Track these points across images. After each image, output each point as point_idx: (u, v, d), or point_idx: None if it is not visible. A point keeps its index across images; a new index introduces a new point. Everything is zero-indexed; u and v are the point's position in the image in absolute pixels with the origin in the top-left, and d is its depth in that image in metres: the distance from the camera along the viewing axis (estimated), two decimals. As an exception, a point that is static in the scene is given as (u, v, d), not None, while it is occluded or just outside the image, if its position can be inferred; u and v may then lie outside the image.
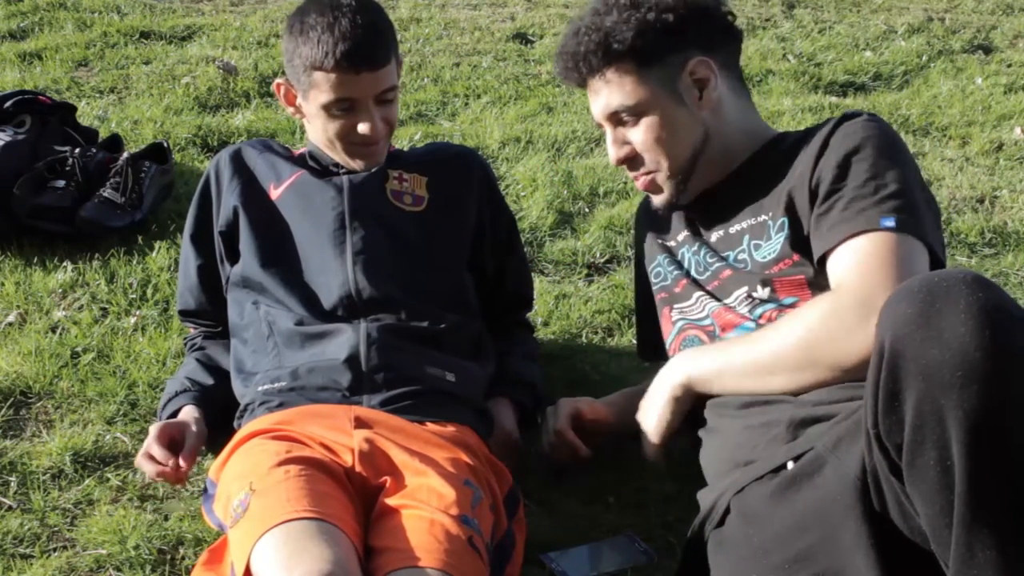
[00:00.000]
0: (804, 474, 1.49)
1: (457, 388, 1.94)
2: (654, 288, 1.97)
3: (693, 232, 1.91)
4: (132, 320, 2.45)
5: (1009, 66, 4.33)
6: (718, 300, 1.81)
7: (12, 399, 2.20)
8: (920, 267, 1.59)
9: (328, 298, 1.98)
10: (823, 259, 1.67)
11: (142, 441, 2.03)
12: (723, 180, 1.87)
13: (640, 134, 1.82)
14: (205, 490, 1.86)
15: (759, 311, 1.74)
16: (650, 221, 2.02)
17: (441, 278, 2.07)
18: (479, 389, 2.02)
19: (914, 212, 1.64)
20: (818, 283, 1.69)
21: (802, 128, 1.92)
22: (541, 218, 2.95)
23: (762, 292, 1.74)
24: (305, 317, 1.97)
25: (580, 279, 2.74)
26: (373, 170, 2.08)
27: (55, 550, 1.83)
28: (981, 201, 3.19)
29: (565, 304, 2.59)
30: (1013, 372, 1.22)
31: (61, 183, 2.75)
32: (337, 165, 2.09)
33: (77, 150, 2.82)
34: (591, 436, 2.01)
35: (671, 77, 1.80)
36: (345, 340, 1.91)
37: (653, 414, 1.77)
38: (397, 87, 2.03)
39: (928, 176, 3.27)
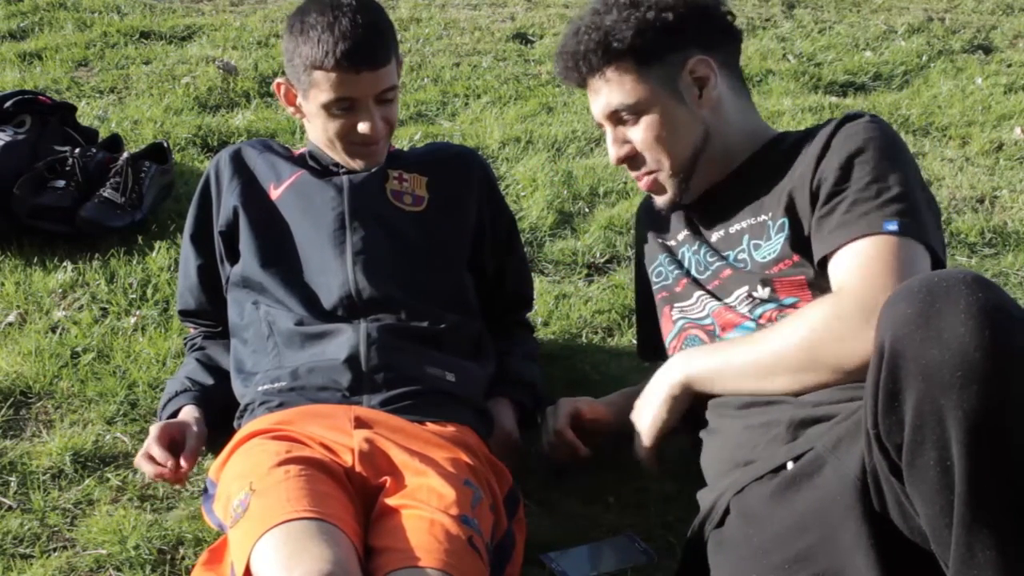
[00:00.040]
0: (804, 474, 1.49)
1: (457, 388, 1.94)
2: (655, 287, 1.97)
3: (693, 231, 1.91)
4: (132, 320, 2.45)
5: (1009, 66, 4.33)
6: (718, 299, 1.81)
7: (12, 399, 2.20)
8: (922, 270, 1.59)
9: (328, 298, 1.98)
10: (824, 261, 1.67)
11: (142, 441, 2.03)
12: (723, 180, 1.87)
13: (640, 133, 1.82)
14: (205, 490, 1.86)
15: (759, 311, 1.74)
16: (650, 221, 2.02)
17: (441, 278, 2.07)
18: (479, 389, 2.02)
19: (916, 215, 1.64)
20: (818, 284, 1.69)
21: (802, 128, 1.92)
22: (541, 218, 2.95)
23: (762, 292, 1.74)
24: (305, 317, 1.97)
25: (580, 279, 2.74)
26: (373, 170, 2.08)
27: (55, 550, 1.83)
28: (981, 201, 3.19)
29: (565, 304, 2.59)
30: (1013, 372, 1.22)
31: (61, 183, 2.75)
32: (337, 165, 2.09)
33: (77, 150, 2.82)
34: (591, 436, 2.01)
35: (671, 76, 1.80)
36: (345, 340, 1.91)
37: (649, 413, 1.76)
38: (397, 87, 2.03)
39: (928, 176, 3.27)
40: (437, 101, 3.77)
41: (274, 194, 2.09)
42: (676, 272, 1.91)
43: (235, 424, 1.94)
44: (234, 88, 3.72)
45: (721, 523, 1.61)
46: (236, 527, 1.61)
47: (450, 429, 1.85)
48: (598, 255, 2.82)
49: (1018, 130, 3.67)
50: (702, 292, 1.85)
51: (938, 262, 1.65)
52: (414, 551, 1.54)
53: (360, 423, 1.80)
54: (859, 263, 1.61)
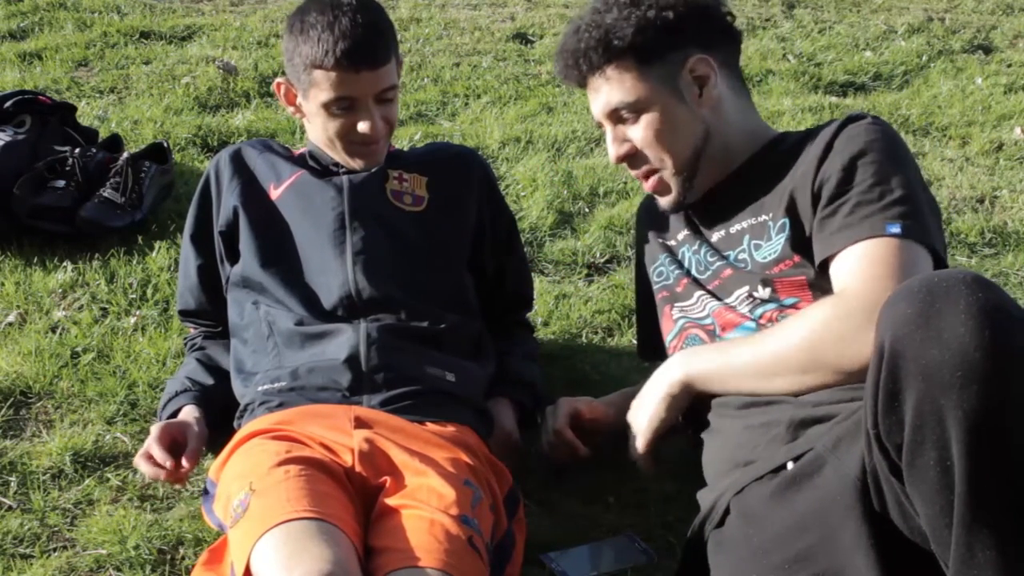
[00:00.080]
0: (804, 474, 1.49)
1: (457, 388, 1.94)
2: (655, 287, 1.97)
3: (693, 231, 1.91)
4: (132, 320, 2.45)
5: (1009, 66, 4.33)
6: (719, 299, 1.81)
7: (12, 399, 2.20)
8: (924, 272, 1.59)
9: (328, 298, 1.98)
10: (826, 262, 1.67)
11: (142, 441, 2.03)
12: (723, 180, 1.87)
13: (640, 131, 1.82)
14: (205, 490, 1.86)
15: (760, 311, 1.74)
16: (650, 221, 2.02)
17: (441, 278, 2.07)
18: (479, 389, 2.02)
19: (919, 218, 1.64)
20: (819, 284, 1.69)
21: (802, 128, 1.92)
22: (541, 218, 2.95)
23: (763, 292, 1.74)
24: (305, 317, 1.97)
25: (580, 279, 2.74)
26: (373, 170, 2.08)
27: (55, 550, 1.83)
28: (981, 201, 3.19)
29: (565, 304, 2.59)
30: (1013, 372, 1.22)
31: (61, 183, 2.75)
32: (337, 165, 2.09)
33: (77, 150, 2.82)
34: (590, 436, 2.01)
35: (671, 74, 1.81)
36: (345, 340, 1.91)
37: (647, 411, 1.76)
38: (397, 86, 2.03)
39: (928, 176, 3.27)
40: (437, 101, 3.77)
41: (274, 194, 2.09)
42: (677, 272, 1.91)
43: (235, 424, 1.94)
44: (234, 88, 3.72)
45: (721, 523, 1.61)
46: (236, 527, 1.61)
47: (450, 429, 1.85)
48: (598, 255, 2.82)
49: (1018, 130, 3.67)
50: (702, 292, 1.85)
51: (940, 264, 1.65)
52: (414, 551, 1.54)
53: (360, 423, 1.80)
54: (862, 265, 1.61)
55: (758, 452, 1.61)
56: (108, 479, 1.99)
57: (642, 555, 1.84)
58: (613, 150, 1.87)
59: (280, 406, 1.87)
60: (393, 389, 1.87)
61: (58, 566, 1.78)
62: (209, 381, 2.09)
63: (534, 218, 2.95)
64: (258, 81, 3.78)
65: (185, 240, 2.19)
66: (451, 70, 4.02)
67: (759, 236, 1.78)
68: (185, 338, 2.28)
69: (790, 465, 1.53)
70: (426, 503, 1.63)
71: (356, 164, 2.07)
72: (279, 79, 2.07)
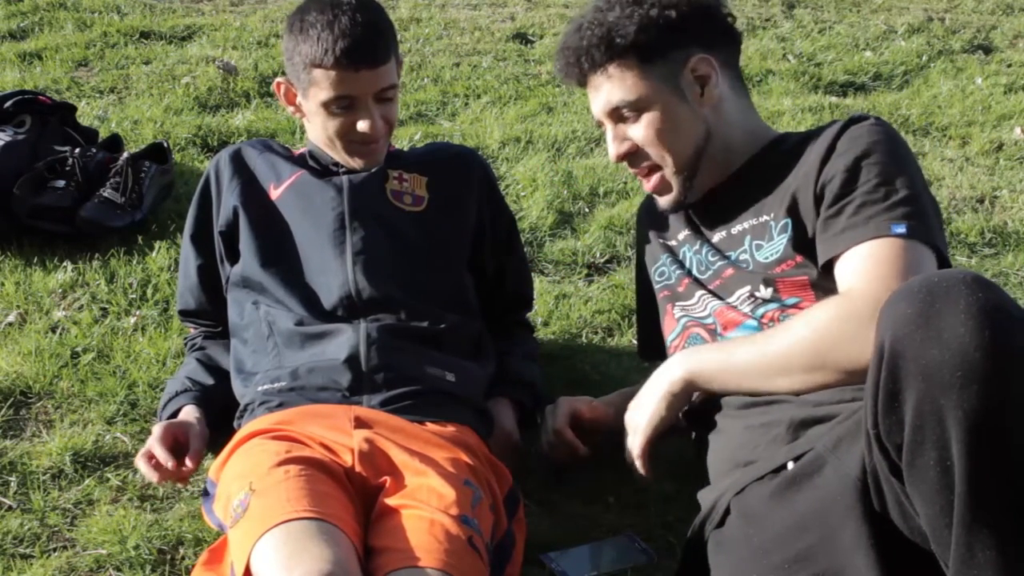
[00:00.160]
0: (804, 474, 1.49)
1: (457, 388, 1.94)
2: (657, 287, 1.97)
3: (694, 232, 1.91)
4: (132, 320, 2.45)
5: (1009, 66, 4.33)
6: (720, 299, 1.81)
7: (12, 399, 2.20)
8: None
9: (328, 298, 1.98)
10: (830, 263, 1.67)
11: (142, 441, 2.04)
12: (724, 180, 1.87)
13: (641, 130, 1.82)
14: (205, 490, 1.86)
15: (761, 310, 1.74)
16: (651, 221, 2.02)
17: (441, 278, 2.07)
18: (479, 389, 2.02)
19: (924, 218, 1.64)
20: (821, 284, 1.69)
21: (802, 128, 1.92)
22: (541, 218, 2.95)
23: (765, 292, 1.74)
24: (305, 317, 1.97)
25: (580, 279, 2.74)
26: (373, 170, 2.08)
27: (55, 550, 1.83)
28: (981, 201, 3.19)
29: (565, 304, 2.59)
30: (1013, 372, 1.22)
31: (61, 183, 2.75)
32: (337, 164, 2.09)
33: (77, 150, 2.82)
34: (590, 435, 2.01)
35: (673, 73, 1.81)
36: (345, 340, 1.91)
37: (647, 409, 1.75)
38: (397, 86, 2.03)
39: (928, 176, 3.27)
40: (437, 101, 3.77)
41: (274, 194, 2.09)
42: (678, 272, 1.91)
43: (235, 424, 1.94)
44: (234, 88, 3.72)
45: (721, 523, 1.61)
46: (236, 527, 1.61)
47: (450, 429, 1.85)
48: (598, 255, 2.82)
49: (1018, 130, 3.67)
50: (704, 292, 1.85)
51: (944, 264, 1.65)
52: (414, 551, 1.54)
53: (360, 423, 1.80)
54: (867, 265, 1.60)
55: (758, 452, 1.61)
56: (108, 479, 1.99)
57: (642, 555, 1.84)
58: (613, 148, 1.87)
59: (280, 406, 1.87)
60: (393, 389, 1.87)
61: (58, 566, 1.78)
62: (209, 381, 2.09)
63: (534, 218, 2.95)
64: (258, 81, 3.78)
65: (185, 240, 2.19)
66: (451, 70, 4.02)
67: (760, 236, 1.78)
68: (185, 338, 2.28)
69: (790, 465, 1.53)
70: (426, 503, 1.63)
71: (356, 164, 2.07)
72: (279, 79, 2.07)
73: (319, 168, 2.11)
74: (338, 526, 1.56)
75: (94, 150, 2.90)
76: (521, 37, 4.40)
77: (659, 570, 1.81)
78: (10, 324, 2.43)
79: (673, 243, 1.96)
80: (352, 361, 1.89)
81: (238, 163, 2.14)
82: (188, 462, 1.89)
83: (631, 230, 2.79)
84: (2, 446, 2.06)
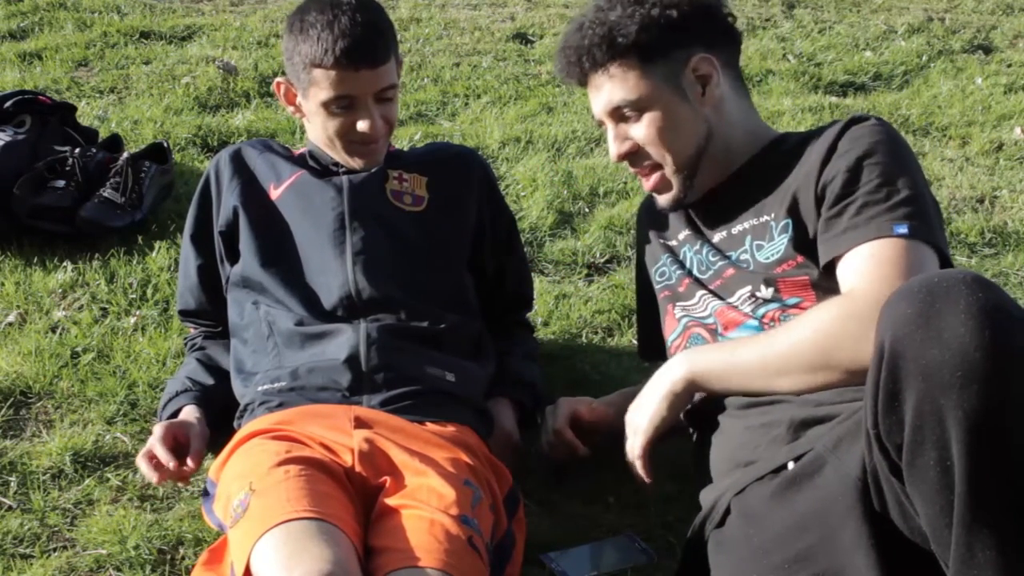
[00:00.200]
0: (804, 474, 1.49)
1: (457, 388, 1.94)
2: (657, 288, 1.97)
3: (695, 232, 1.91)
4: (132, 320, 2.45)
5: (1009, 66, 4.33)
6: (721, 299, 1.81)
7: (12, 399, 2.20)
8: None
9: (328, 298, 1.98)
10: (832, 263, 1.67)
11: (142, 441, 2.04)
12: (725, 180, 1.87)
13: (643, 129, 1.82)
14: (205, 490, 1.86)
15: (762, 311, 1.74)
16: (651, 221, 2.02)
17: (441, 278, 2.07)
18: (479, 389, 2.02)
19: (926, 218, 1.64)
20: (822, 284, 1.69)
21: (802, 128, 1.92)
22: (541, 218, 2.95)
23: (765, 292, 1.74)
24: (305, 317, 1.97)
25: (580, 279, 2.74)
26: (373, 170, 2.08)
27: (55, 550, 1.83)
28: (981, 201, 3.19)
29: (565, 304, 2.59)
30: (1013, 372, 1.22)
31: (61, 183, 2.75)
32: (337, 164, 2.09)
33: (77, 150, 2.82)
34: (589, 436, 2.01)
35: (674, 72, 1.81)
36: (345, 340, 1.91)
37: (648, 409, 1.74)
38: (397, 86, 2.03)
39: (928, 176, 3.26)
40: (437, 101, 3.77)
41: (274, 194, 2.09)
42: (679, 272, 1.91)
43: (235, 424, 1.94)
44: (234, 88, 3.72)
45: (722, 523, 1.61)
46: (236, 527, 1.61)
47: (450, 429, 1.85)
48: (598, 255, 2.82)
49: (1018, 130, 3.67)
50: (704, 292, 1.85)
51: (946, 264, 1.65)
52: (414, 551, 1.54)
53: (360, 423, 1.80)
54: (869, 266, 1.60)
55: (759, 452, 1.61)
56: (108, 479, 1.99)
57: (642, 555, 1.84)
58: (614, 148, 1.87)
59: (280, 406, 1.87)
60: (393, 389, 1.87)
61: (58, 566, 1.78)
62: (209, 381, 2.09)
63: (534, 218, 2.95)
64: (258, 81, 3.78)
65: (185, 240, 2.19)
66: (451, 70, 4.02)
67: (761, 236, 1.78)
68: (185, 338, 2.28)
69: (791, 465, 1.53)
70: (426, 503, 1.63)
71: (356, 163, 2.07)
72: (279, 79, 2.07)
73: (319, 168, 2.11)
74: (338, 526, 1.56)
75: (94, 150, 2.90)
76: (521, 37, 4.40)
77: (659, 570, 1.81)
78: (10, 324, 2.43)
79: (673, 243, 1.96)
80: (352, 361, 1.89)
81: (238, 163, 2.14)
82: (189, 462, 1.89)
83: (631, 230, 2.79)
84: (2, 446, 2.06)
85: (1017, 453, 1.23)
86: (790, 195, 1.75)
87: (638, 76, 1.80)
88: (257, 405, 1.90)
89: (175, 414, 2.03)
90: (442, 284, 2.07)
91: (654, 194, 1.92)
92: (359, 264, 2.00)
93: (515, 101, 3.79)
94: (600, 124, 1.90)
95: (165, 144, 3.05)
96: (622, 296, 2.60)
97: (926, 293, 1.27)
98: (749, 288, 1.77)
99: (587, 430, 2.01)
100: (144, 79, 3.77)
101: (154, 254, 2.67)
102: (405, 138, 3.38)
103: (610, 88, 1.82)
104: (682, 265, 1.91)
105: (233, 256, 2.10)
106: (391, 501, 1.66)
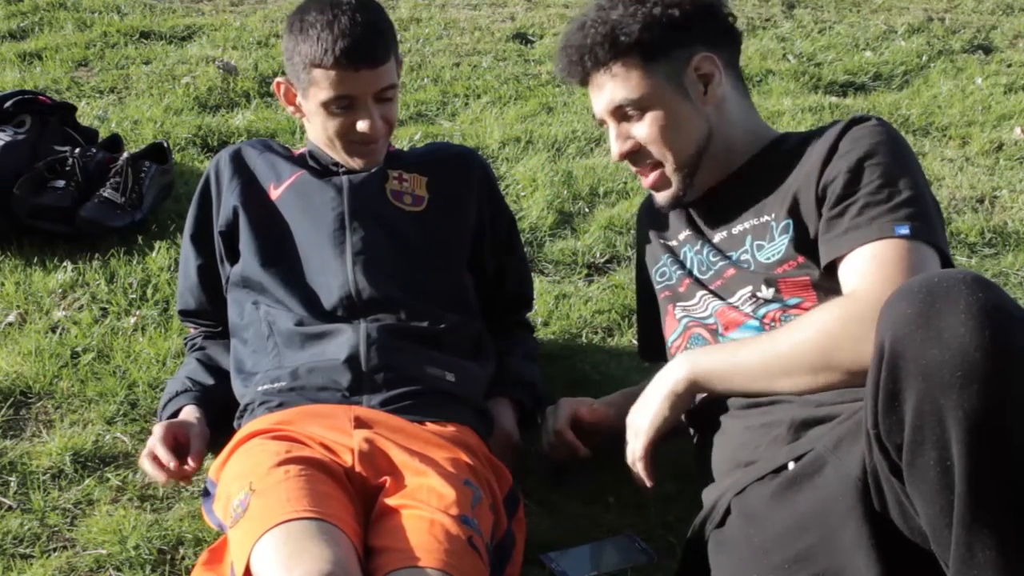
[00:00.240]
0: (805, 474, 1.49)
1: (457, 388, 1.94)
2: (658, 288, 1.97)
3: (695, 232, 1.91)
4: (132, 320, 2.45)
5: (1009, 66, 4.33)
6: (721, 299, 1.81)
7: (12, 399, 2.20)
8: None
9: (328, 298, 1.98)
10: (834, 263, 1.67)
11: (142, 441, 2.04)
12: (725, 180, 1.87)
13: (645, 128, 1.82)
14: (205, 490, 1.86)
15: (763, 311, 1.74)
16: (651, 222, 2.02)
17: (441, 278, 2.07)
18: (479, 389, 2.02)
19: (927, 219, 1.64)
20: (822, 285, 1.69)
21: (802, 128, 1.92)
22: (541, 218, 2.95)
23: (766, 292, 1.74)
24: (305, 317, 1.97)
25: (580, 279, 2.74)
26: (373, 170, 2.08)
27: (55, 550, 1.83)
28: (981, 201, 3.20)
29: (565, 304, 2.59)
30: (1013, 372, 1.22)
31: (61, 183, 2.75)
32: (337, 164, 2.09)
33: (77, 150, 2.82)
34: (590, 436, 2.01)
35: (676, 71, 1.81)
36: (345, 340, 1.91)
37: (650, 410, 1.74)
38: (397, 86, 2.03)
39: (928, 176, 3.25)
40: (437, 101, 3.77)
41: (274, 194, 2.09)
42: (679, 272, 1.91)
43: (235, 424, 1.94)
44: (234, 88, 3.72)
45: (722, 523, 1.61)
46: (236, 527, 1.61)
47: (450, 429, 1.85)
48: (598, 255, 2.82)
49: (1018, 130, 3.67)
50: (705, 292, 1.85)
51: (948, 265, 1.65)
52: (414, 551, 1.54)
53: (360, 423, 1.80)
54: (871, 267, 1.60)
55: (759, 452, 1.61)
56: (108, 479, 1.99)
57: (642, 555, 1.84)
58: (616, 147, 1.87)
59: (280, 406, 1.87)
60: (393, 389, 1.87)
61: (58, 566, 1.78)
62: (209, 381, 2.09)
63: (534, 218, 2.95)
64: (258, 81, 3.78)
65: (185, 240, 2.19)
66: (451, 70, 4.02)
67: (761, 237, 1.78)
68: (185, 338, 2.28)
69: (791, 465, 1.53)
70: (426, 503, 1.63)
71: (356, 163, 2.07)
72: (279, 79, 2.07)
73: (319, 168, 2.11)
74: (338, 526, 1.56)
75: (94, 150, 2.90)
76: (521, 37, 4.40)
77: (659, 570, 1.81)
78: (10, 324, 2.43)
79: (674, 243, 1.96)
80: (352, 361, 1.89)
81: (238, 163, 2.14)
82: (190, 462, 1.89)
83: (631, 230, 2.79)
84: (2, 446, 2.06)
85: (1017, 453, 1.23)
86: (791, 195, 1.75)
87: (641, 75, 1.80)
88: (257, 405, 1.90)
89: (175, 414, 2.03)
90: (442, 284, 2.07)
91: (653, 192, 1.92)
92: (359, 264, 2.00)
93: (515, 101, 3.79)
94: (601, 123, 1.90)
95: (165, 144, 3.05)
96: (622, 296, 2.60)
97: (926, 293, 1.27)
98: (750, 288, 1.76)
99: (588, 431, 2.01)
100: (144, 79, 3.78)
101: (154, 254, 2.67)
102: (405, 138, 3.38)
103: (612, 87, 1.82)
104: (682, 265, 1.91)
105: (233, 256, 2.10)
106: (391, 501, 1.66)
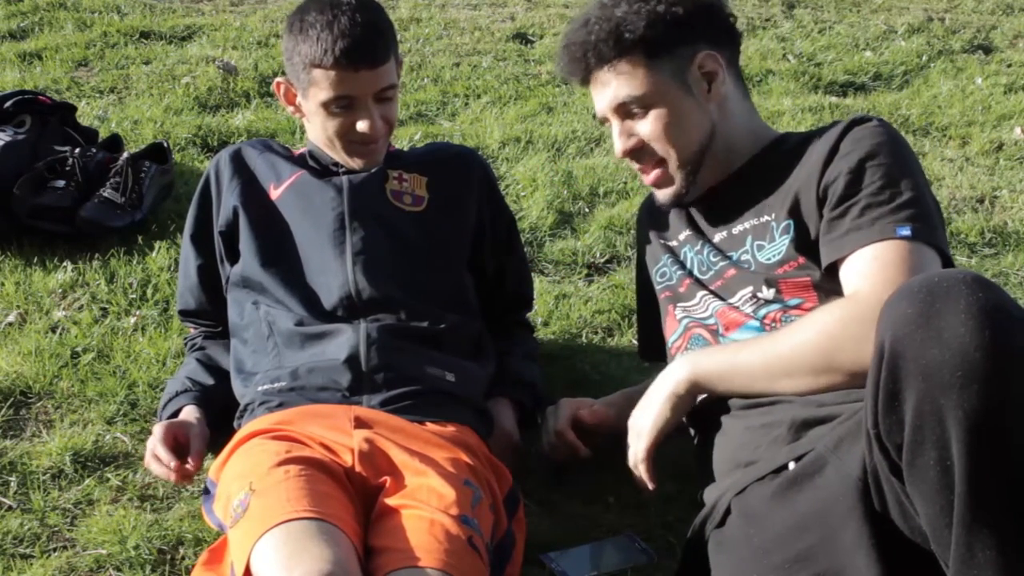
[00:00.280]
0: (805, 475, 1.49)
1: (457, 388, 1.94)
2: (658, 288, 1.97)
3: (696, 232, 1.91)
4: (132, 320, 2.45)
5: (1009, 66, 4.33)
6: (722, 299, 1.81)
7: (12, 399, 2.20)
8: None
9: (328, 298, 1.98)
10: (835, 264, 1.66)
11: (142, 441, 2.04)
12: (725, 179, 1.87)
13: (649, 125, 1.82)
14: (205, 490, 1.86)
15: (763, 311, 1.74)
16: (652, 222, 2.02)
17: (441, 278, 2.07)
18: (479, 389, 2.02)
19: (928, 220, 1.64)
20: (823, 286, 1.69)
21: (802, 128, 1.92)
22: (541, 218, 2.95)
23: (767, 293, 1.74)
24: (305, 317, 1.97)
25: (580, 279, 2.74)
26: (373, 170, 2.08)
27: (55, 550, 1.83)
28: (981, 201, 3.19)
29: (565, 304, 2.59)
30: (1013, 372, 1.22)
31: (61, 183, 2.75)
32: (337, 164, 2.09)
33: (77, 150, 2.82)
34: (590, 436, 2.01)
35: (680, 69, 1.81)
36: (345, 340, 1.91)
37: (651, 412, 1.74)
38: (397, 86, 2.03)
39: (928, 176, 3.25)
40: (437, 101, 3.77)
41: (274, 194, 2.09)
42: (679, 272, 1.91)
43: (235, 424, 1.94)
44: (234, 88, 3.72)
45: (722, 523, 1.61)
46: (236, 527, 1.61)
47: (450, 429, 1.85)
48: (598, 255, 2.82)
49: (1018, 130, 3.67)
50: (705, 292, 1.85)
51: (948, 266, 1.65)
52: (414, 551, 1.54)
53: (360, 423, 1.80)
54: (873, 268, 1.60)
55: (759, 452, 1.61)
56: (108, 479, 1.99)
57: (642, 555, 1.84)
58: (620, 144, 1.86)
59: (280, 406, 1.87)
60: (393, 389, 1.87)
61: (58, 566, 1.78)
62: (209, 381, 2.09)
63: (534, 218, 2.95)
64: (258, 81, 3.78)
65: (185, 240, 2.19)
66: (451, 70, 4.02)
67: (762, 237, 1.78)
68: (185, 338, 2.28)
69: (791, 465, 1.53)
70: (426, 503, 1.63)
71: (355, 164, 2.07)
72: (279, 79, 2.07)
73: (319, 168, 2.11)
74: (338, 526, 1.56)
75: (94, 150, 2.90)
76: (521, 37, 4.40)
77: (659, 570, 1.81)
78: (10, 324, 2.43)
79: (674, 243, 1.96)
80: (352, 361, 1.89)
81: (238, 163, 2.14)
82: (190, 461, 1.89)
83: (631, 230, 2.79)
84: (2, 446, 2.06)
85: (1017, 453, 1.23)
86: (791, 196, 1.75)
87: (645, 72, 1.80)
88: (257, 405, 1.90)
89: (175, 414, 2.03)
90: (442, 284, 2.07)
91: (654, 189, 1.91)
92: (359, 264, 2.00)
93: (515, 101, 3.79)
94: (603, 121, 1.89)
95: (165, 144, 3.05)
96: (622, 296, 2.60)
97: (926, 293, 1.27)
98: (750, 289, 1.76)
99: (588, 431, 2.01)
100: (144, 79, 3.78)
101: (154, 254, 2.67)
102: (405, 138, 3.38)
103: (617, 84, 1.82)
104: (683, 265, 1.91)
105: (233, 256, 2.10)
106: (391, 501, 1.66)
